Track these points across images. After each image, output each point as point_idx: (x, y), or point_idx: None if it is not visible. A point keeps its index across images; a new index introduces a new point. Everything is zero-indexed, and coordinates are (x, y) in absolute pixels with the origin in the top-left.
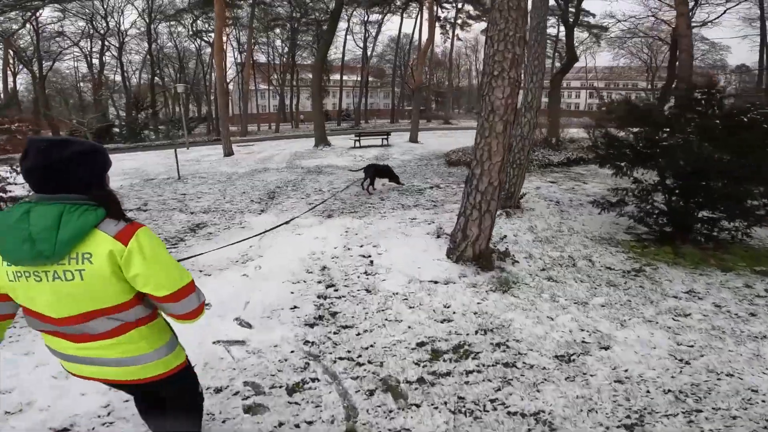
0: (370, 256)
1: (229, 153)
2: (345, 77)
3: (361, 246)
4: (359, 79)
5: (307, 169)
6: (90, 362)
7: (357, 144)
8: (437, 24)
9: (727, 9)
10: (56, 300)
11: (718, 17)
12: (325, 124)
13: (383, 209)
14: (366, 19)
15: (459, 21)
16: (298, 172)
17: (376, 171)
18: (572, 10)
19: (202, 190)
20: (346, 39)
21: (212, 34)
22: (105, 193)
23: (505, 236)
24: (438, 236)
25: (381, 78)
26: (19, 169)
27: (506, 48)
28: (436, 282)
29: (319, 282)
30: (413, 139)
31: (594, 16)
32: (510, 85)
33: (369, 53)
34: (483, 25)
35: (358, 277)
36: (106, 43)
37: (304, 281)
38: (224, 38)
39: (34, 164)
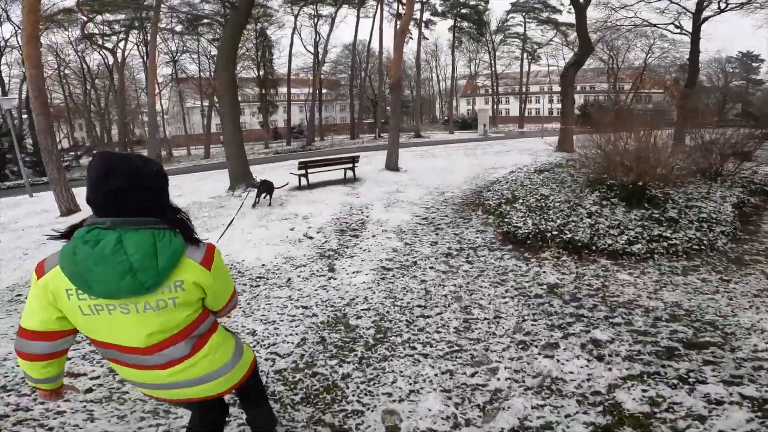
0: None
1: (68, 210)
2: (295, 90)
3: None
4: (311, 91)
5: None
6: (180, 386)
7: (304, 181)
8: (397, 21)
9: None
10: (144, 330)
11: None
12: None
13: None
14: (316, 14)
15: (424, 19)
16: None
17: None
18: None
19: None
20: (292, 40)
21: (116, 38)
22: (181, 216)
23: None
24: None
25: (335, 90)
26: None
27: None
28: None
29: None
30: (392, 166)
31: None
32: None
33: (321, 59)
34: (449, 23)
35: None
36: None
37: None
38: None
39: (124, 185)
